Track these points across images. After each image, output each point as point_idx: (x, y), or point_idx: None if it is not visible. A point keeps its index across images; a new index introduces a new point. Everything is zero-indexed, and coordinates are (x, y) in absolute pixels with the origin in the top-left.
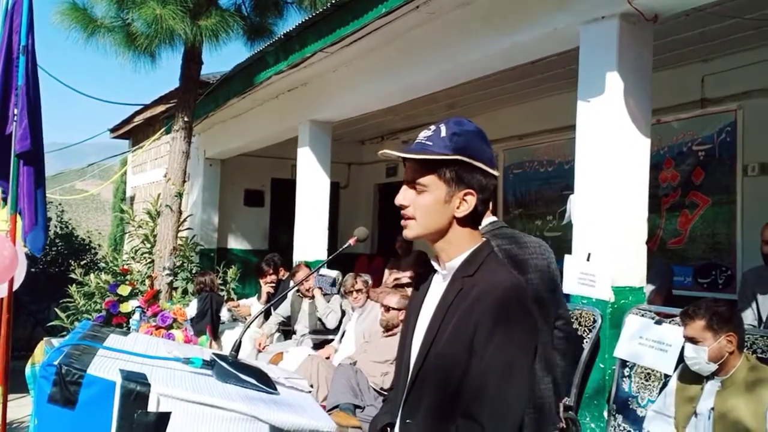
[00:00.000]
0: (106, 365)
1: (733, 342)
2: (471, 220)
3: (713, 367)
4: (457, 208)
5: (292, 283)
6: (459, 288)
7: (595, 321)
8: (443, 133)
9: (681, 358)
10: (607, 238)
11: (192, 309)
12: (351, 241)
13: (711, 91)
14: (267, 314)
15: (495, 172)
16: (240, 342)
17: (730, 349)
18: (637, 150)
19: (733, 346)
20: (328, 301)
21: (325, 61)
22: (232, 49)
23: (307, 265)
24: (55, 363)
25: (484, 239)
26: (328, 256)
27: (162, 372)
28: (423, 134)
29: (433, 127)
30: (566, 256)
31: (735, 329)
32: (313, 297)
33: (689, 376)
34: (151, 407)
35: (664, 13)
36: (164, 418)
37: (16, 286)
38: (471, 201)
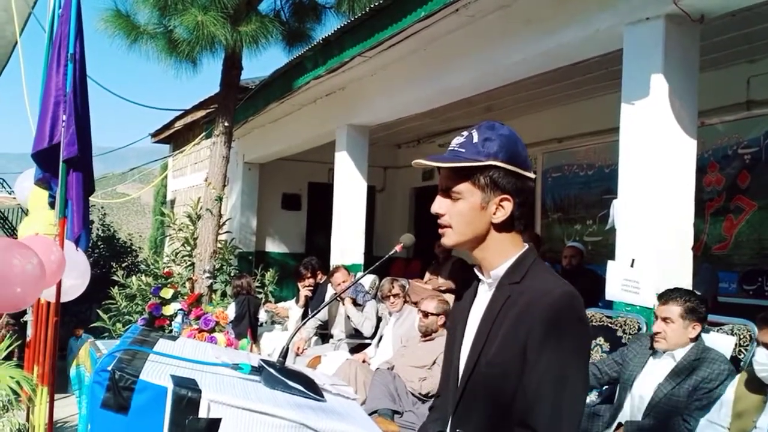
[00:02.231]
0: (158, 370)
1: None
2: (510, 226)
3: None
4: (494, 214)
5: (330, 286)
6: (507, 295)
7: (639, 329)
8: (475, 139)
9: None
10: (652, 243)
11: (231, 312)
12: (397, 248)
13: (757, 92)
14: (304, 317)
15: (531, 175)
16: (287, 348)
17: None
18: (683, 153)
19: None
20: (361, 310)
21: (364, 66)
22: (272, 55)
23: (346, 268)
24: (109, 368)
25: (527, 245)
26: (365, 260)
27: (212, 378)
28: (455, 141)
29: (465, 134)
30: (609, 262)
31: None
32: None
33: (749, 387)
34: (202, 413)
35: (711, 14)
36: (215, 424)
37: (78, 293)
38: (507, 206)
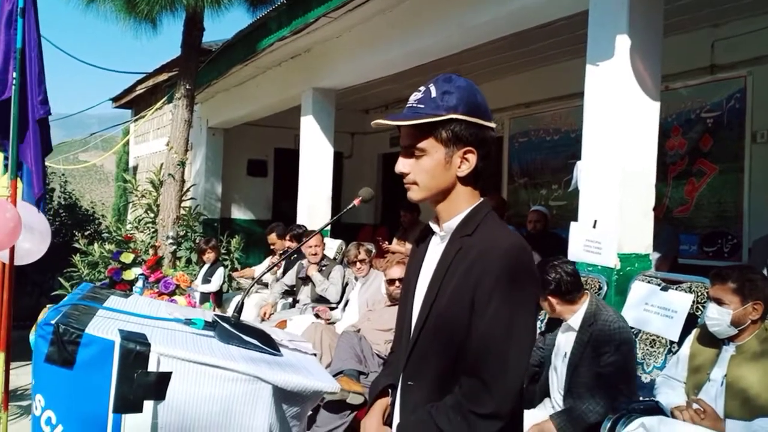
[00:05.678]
0: (106, 325)
1: (759, 311)
2: (473, 179)
3: (733, 331)
4: (459, 167)
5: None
6: (458, 248)
7: (600, 288)
8: (434, 93)
9: (687, 325)
10: (614, 204)
11: (218, 280)
12: (356, 202)
13: (721, 57)
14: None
15: (492, 125)
16: (242, 303)
17: (754, 317)
18: (647, 115)
19: (758, 314)
20: (327, 277)
21: (329, 27)
22: (234, 17)
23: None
24: (53, 322)
25: (481, 199)
26: (331, 227)
27: (162, 332)
28: (413, 97)
29: (422, 89)
30: (572, 224)
31: (764, 299)
32: (317, 263)
33: (703, 342)
34: (151, 367)
35: None
36: (165, 378)
37: (38, 257)
38: (472, 159)
